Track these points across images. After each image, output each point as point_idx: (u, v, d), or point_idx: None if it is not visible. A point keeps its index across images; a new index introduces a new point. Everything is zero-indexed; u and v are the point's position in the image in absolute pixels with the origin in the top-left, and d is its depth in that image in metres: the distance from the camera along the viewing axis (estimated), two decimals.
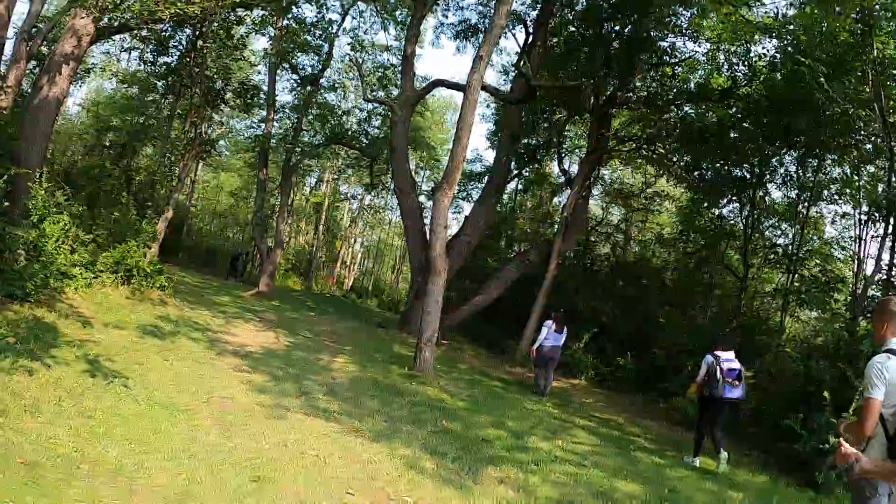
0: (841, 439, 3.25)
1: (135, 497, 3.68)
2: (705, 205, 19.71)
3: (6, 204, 7.48)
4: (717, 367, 7.09)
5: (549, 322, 10.57)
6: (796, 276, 17.36)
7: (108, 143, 18.90)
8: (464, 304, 16.73)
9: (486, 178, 20.62)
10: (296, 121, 22.95)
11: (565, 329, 10.67)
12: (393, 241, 49.45)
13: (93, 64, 19.16)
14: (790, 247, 18.06)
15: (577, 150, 24.80)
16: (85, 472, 3.80)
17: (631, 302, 18.33)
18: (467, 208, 23.42)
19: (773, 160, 16.55)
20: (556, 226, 18.20)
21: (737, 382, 7.16)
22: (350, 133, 23.70)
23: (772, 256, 19.29)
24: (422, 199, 22.49)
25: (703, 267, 20.74)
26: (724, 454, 7.10)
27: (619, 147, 18.14)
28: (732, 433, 8.28)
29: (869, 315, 9.61)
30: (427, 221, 15.56)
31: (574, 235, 17.33)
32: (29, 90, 11.12)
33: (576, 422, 8.93)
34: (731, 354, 7.34)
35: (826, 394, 7.32)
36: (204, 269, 26.88)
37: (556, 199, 28.25)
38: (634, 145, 18.10)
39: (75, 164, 16.55)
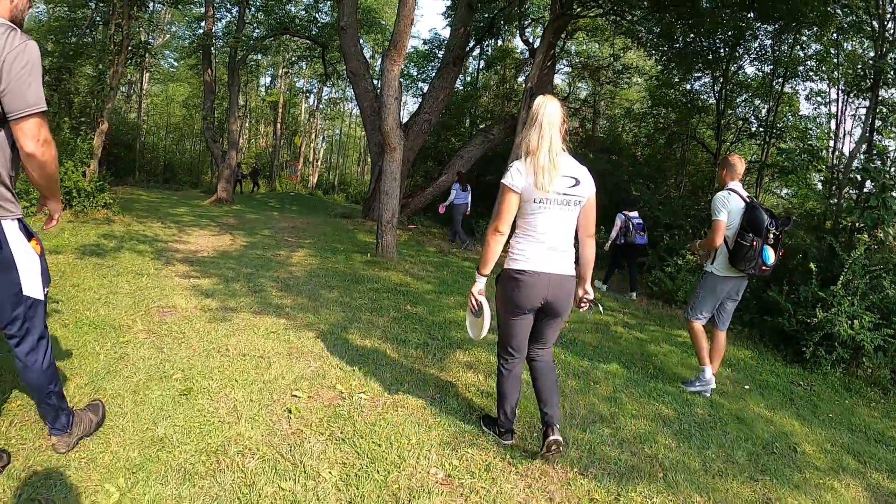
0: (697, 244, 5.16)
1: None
2: (676, 78, 18.88)
3: None
4: (630, 223, 9.66)
5: (456, 185, 13.36)
6: (772, 150, 17.12)
7: (44, 69, 17.32)
8: (429, 188, 16.11)
9: (443, 52, 19.47)
10: (237, 14, 21.37)
11: (469, 188, 13.51)
12: (356, 132, 48.12)
13: None
14: (765, 122, 17.63)
15: (539, 20, 23.32)
16: None
17: (602, 176, 17.85)
18: None
19: (748, 33, 15.59)
20: (521, 101, 17.31)
21: (643, 233, 9.76)
22: (297, 22, 22.07)
23: (745, 131, 18.88)
24: (377, 83, 21.30)
25: (674, 142, 20.28)
26: (634, 294, 9.88)
27: (584, 13, 16.83)
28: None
29: (854, 188, 10.29)
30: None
31: None
32: None
33: None
34: (636, 213, 9.91)
35: (812, 266, 7.00)
36: (164, 185, 25.93)
37: (520, 78, 27.12)
38: (601, 10, 16.78)
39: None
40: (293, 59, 30.74)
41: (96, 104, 14.36)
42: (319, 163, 46.45)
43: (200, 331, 4.94)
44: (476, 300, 3.24)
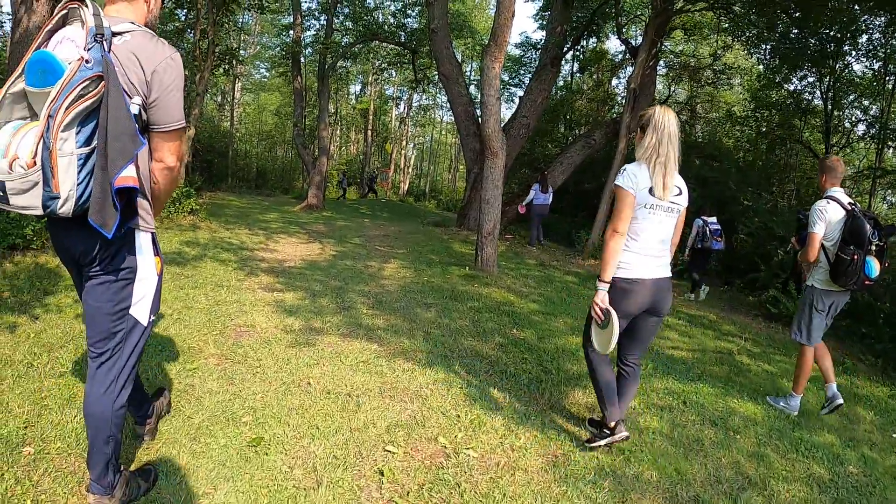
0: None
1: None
2: (778, 78, 17.25)
3: None
4: (707, 228, 9.50)
5: (536, 185, 13.13)
6: (887, 153, 15.34)
7: None
8: (522, 198, 15.20)
9: (539, 52, 18.57)
10: (325, 22, 21.38)
11: (551, 189, 13.31)
12: (446, 139, 47.82)
13: None
14: (878, 123, 15.77)
15: (634, 20, 22.04)
16: (29, 457, 2.69)
17: (706, 183, 16.46)
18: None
19: (859, 22, 13.89)
20: (623, 100, 16.20)
21: (719, 238, 9.61)
22: (386, 28, 21.78)
23: (856, 134, 17.03)
24: (472, 90, 20.77)
25: (777, 147, 18.62)
26: (706, 288, 10.01)
27: (687, 7, 15.49)
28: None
29: None
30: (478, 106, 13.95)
31: (644, 108, 15.23)
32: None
33: (665, 320, 7.57)
34: (713, 218, 9.76)
35: None
36: (255, 191, 26.20)
37: (615, 81, 25.89)
38: (706, 3, 15.39)
39: None
40: (383, 65, 30.57)
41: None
42: (410, 169, 46.42)
43: (279, 358, 4.24)
44: (601, 309, 3.13)
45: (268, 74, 37.00)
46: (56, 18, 2.03)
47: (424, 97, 40.60)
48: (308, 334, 4.87)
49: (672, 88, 26.51)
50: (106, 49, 1.94)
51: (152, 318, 2.39)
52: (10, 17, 7.56)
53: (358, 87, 43.26)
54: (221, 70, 15.04)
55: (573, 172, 16.14)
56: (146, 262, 2.29)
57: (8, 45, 7.86)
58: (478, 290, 7.31)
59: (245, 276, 6.83)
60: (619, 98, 25.41)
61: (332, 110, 32.10)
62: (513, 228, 15.40)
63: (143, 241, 2.27)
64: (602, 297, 3.11)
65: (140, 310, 2.32)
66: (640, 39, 17.92)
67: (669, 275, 3.22)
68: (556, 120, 23.82)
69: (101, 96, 1.87)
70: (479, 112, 12.34)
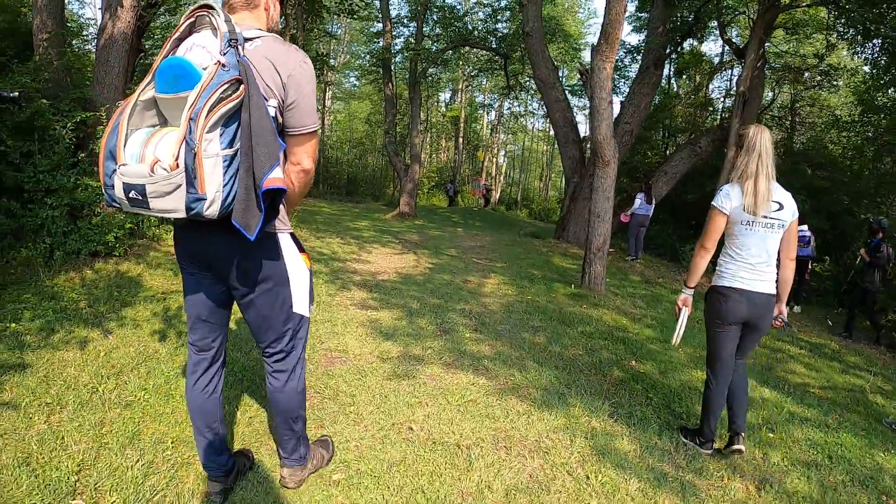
0: None
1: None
2: (885, 79, 15.50)
3: (81, 154, 6.32)
4: None
5: (641, 194, 12.45)
6: None
7: None
8: (627, 206, 14.28)
9: (641, 54, 17.57)
10: (414, 29, 21.21)
11: (654, 199, 12.67)
12: (538, 147, 47.06)
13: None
14: None
15: (735, 21, 20.61)
16: None
17: (818, 194, 15.00)
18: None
19: None
20: (724, 105, 15.03)
21: (805, 245, 9.97)
22: (476, 34, 21.36)
23: None
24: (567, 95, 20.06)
25: (886, 154, 16.81)
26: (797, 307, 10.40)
27: (796, 2, 14.10)
28: None
29: None
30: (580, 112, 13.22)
31: (753, 113, 14.03)
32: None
33: (787, 350, 6.73)
34: (804, 226, 10.06)
35: None
36: (346, 198, 26.35)
37: (711, 85, 24.42)
38: None
39: None
40: (473, 72, 30.19)
41: None
42: (501, 178, 45.92)
43: (376, 394, 3.73)
44: (679, 307, 3.49)
45: (357, 83, 37.44)
46: (183, 27, 2.03)
47: (516, 104, 39.99)
48: (407, 363, 4.35)
49: (775, 91, 24.71)
50: (240, 54, 1.96)
51: (311, 307, 2.46)
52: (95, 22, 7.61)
53: (448, 95, 43.18)
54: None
55: (677, 182, 15.08)
56: (294, 261, 2.33)
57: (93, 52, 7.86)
58: (587, 312, 6.63)
59: (336, 291, 6.44)
60: (719, 103, 23.99)
61: (423, 118, 32.05)
62: (614, 241, 14.55)
63: (285, 242, 2.30)
64: (682, 298, 3.48)
65: (301, 305, 2.38)
66: (736, 40, 16.61)
67: (771, 291, 3.24)
68: (655, 126, 22.62)
69: (242, 99, 1.88)
70: (576, 118, 11.68)
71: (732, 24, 21.71)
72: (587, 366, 4.77)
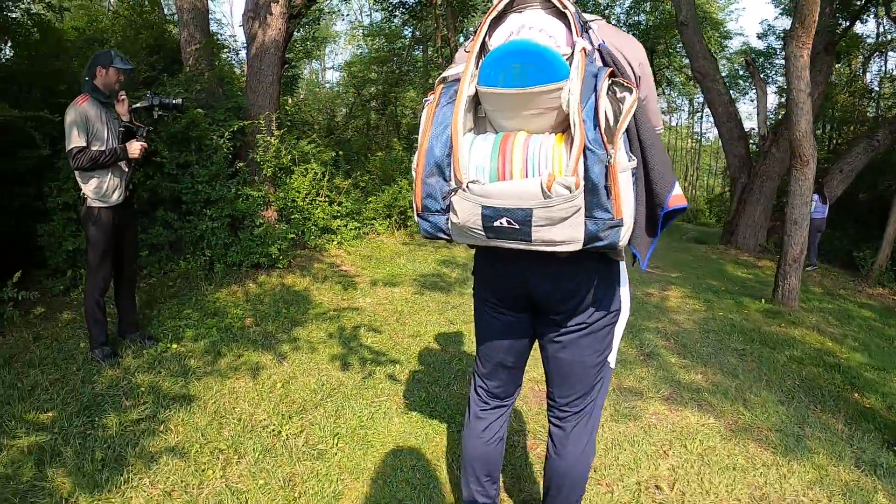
0: None
1: None
2: None
3: (239, 164, 6.10)
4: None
5: (816, 196, 10.70)
6: None
7: (369, 97, 18.31)
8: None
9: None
10: None
11: (827, 200, 11.36)
12: (685, 143, 45.10)
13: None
14: None
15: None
16: None
17: None
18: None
19: None
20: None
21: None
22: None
23: None
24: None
25: None
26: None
27: None
28: None
29: None
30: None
31: None
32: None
33: None
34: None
35: None
36: None
37: (868, 72, 21.87)
38: None
39: (337, 123, 15.93)
40: None
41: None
42: None
43: (606, 439, 2.94)
44: None
45: None
46: (500, 7, 1.61)
47: (661, 100, 38.43)
48: (624, 398, 3.54)
49: None
50: (597, 39, 1.58)
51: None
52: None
53: None
54: None
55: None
56: (626, 295, 1.88)
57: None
58: (787, 332, 5.66)
59: None
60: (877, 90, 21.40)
61: None
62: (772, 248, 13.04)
63: (623, 269, 1.85)
64: None
65: (613, 353, 1.89)
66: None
67: None
68: (817, 119, 20.36)
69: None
70: (790, 107, 10.41)
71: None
72: (810, 400, 3.95)
